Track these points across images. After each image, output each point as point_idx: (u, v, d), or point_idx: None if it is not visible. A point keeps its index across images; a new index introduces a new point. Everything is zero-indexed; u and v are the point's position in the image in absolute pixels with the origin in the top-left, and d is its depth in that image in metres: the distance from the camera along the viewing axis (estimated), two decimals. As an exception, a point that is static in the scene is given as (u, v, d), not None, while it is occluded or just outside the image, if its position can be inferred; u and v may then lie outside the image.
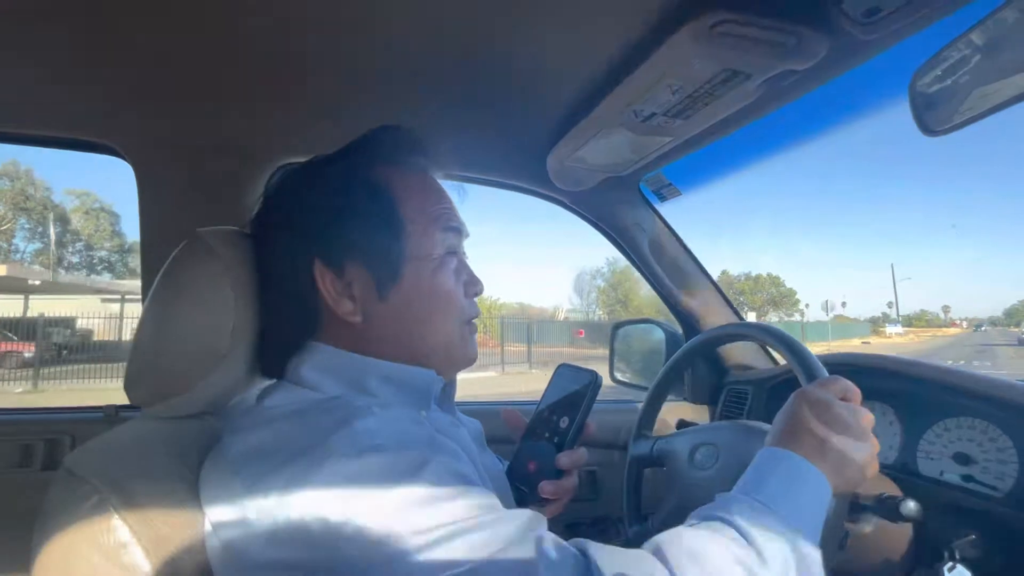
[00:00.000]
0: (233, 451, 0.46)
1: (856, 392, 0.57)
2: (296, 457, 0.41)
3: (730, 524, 0.44)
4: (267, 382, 0.57)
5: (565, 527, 1.12)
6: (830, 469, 0.50)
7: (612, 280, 31.12)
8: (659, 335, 1.28)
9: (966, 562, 0.67)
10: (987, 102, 0.52)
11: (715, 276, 1.20)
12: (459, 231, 0.59)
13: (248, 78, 0.75)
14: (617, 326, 1.41)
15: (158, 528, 0.44)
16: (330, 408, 0.47)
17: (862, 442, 0.52)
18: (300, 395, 0.51)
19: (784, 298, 44.74)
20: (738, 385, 1.17)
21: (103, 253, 28.07)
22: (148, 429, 0.53)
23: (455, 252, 0.58)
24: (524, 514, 0.42)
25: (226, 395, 0.57)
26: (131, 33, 0.64)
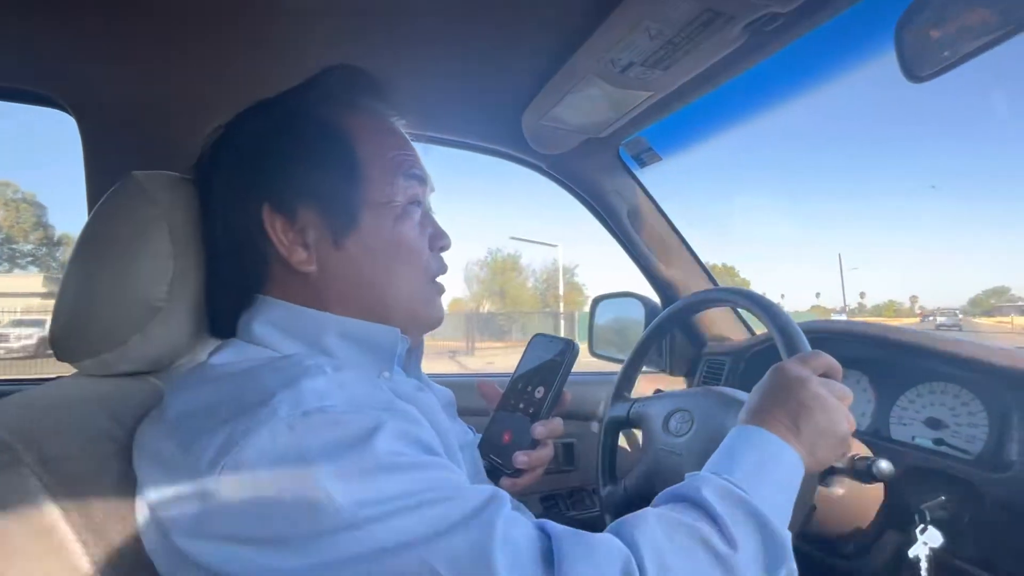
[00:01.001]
0: (172, 410, 0.42)
1: (837, 368, 0.56)
2: (235, 417, 0.37)
3: (699, 506, 0.42)
4: (218, 343, 0.53)
5: (541, 499, 1.11)
6: (803, 448, 0.49)
7: (492, 269, 30.13)
8: (638, 307, 1.27)
9: (936, 523, 0.67)
10: (971, 43, 0.50)
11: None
12: (423, 180, 0.55)
13: (200, 24, 0.70)
14: (597, 300, 1.39)
15: (82, 490, 0.40)
16: (279, 367, 0.43)
17: (838, 421, 0.51)
18: (251, 352, 0.47)
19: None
20: (716, 356, 1.16)
21: (29, 246, 26.63)
22: (77, 386, 0.49)
23: (419, 202, 0.54)
24: (484, 490, 0.39)
25: (169, 354, 0.53)
26: None
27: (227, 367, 0.45)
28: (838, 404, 0.52)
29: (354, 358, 0.49)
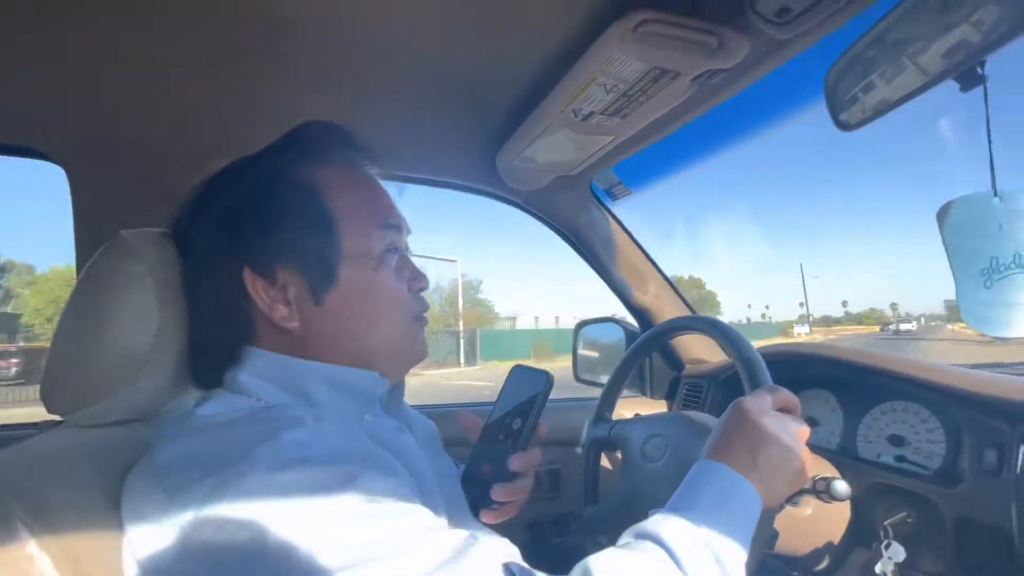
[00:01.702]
0: (159, 459, 0.44)
1: (795, 404, 0.58)
2: (221, 468, 0.40)
3: (659, 544, 0.45)
4: (203, 391, 0.55)
5: (526, 527, 1.12)
6: (761, 482, 0.51)
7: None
8: (619, 333, 1.30)
9: (899, 539, 0.70)
10: (895, 94, 0.55)
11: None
12: (399, 227, 0.57)
13: (181, 76, 0.74)
14: (580, 325, 1.43)
15: (70, 541, 0.42)
16: (261, 419, 0.45)
17: (794, 456, 0.53)
18: (237, 403, 0.49)
19: (704, 301, 46.09)
20: (694, 379, 1.19)
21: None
22: (67, 437, 0.51)
23: (396, 248, 0.56)
24: (457, 536, 0.41)
25: (154, 402, 0.55)
26: (54, 32, 0.62)
27: (213, 418, 0.47)
28: (794, 439, 0.54)
29: (337, 403, 0.51)
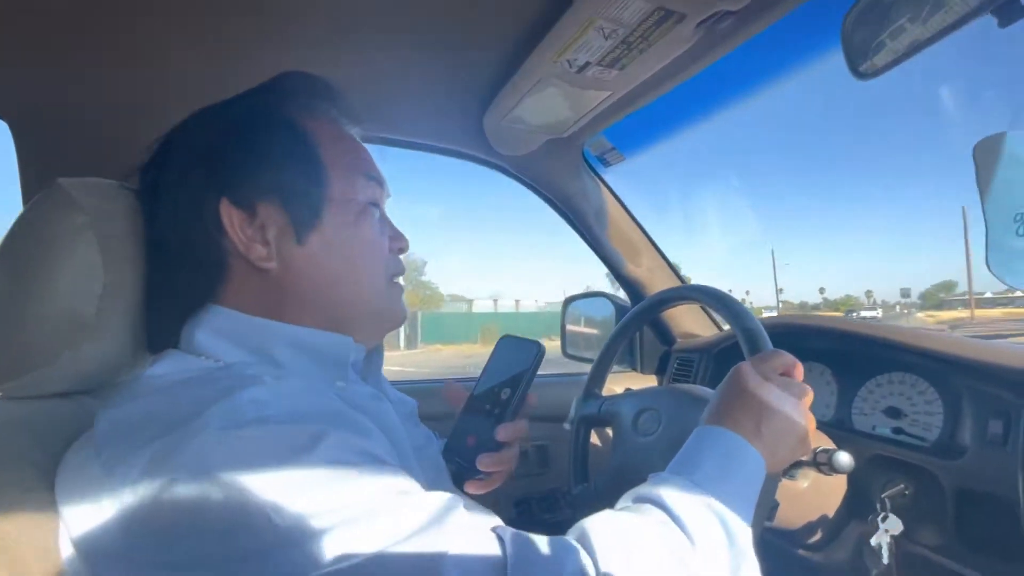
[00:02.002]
0: (98, 428, 0.39)
1: (798, 367, 0.56)
2: (165, 432, 0.35)
3: (660, 506, 0.42)
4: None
5: (515, 503, 1.10)
6: (765, 448, 0.49)
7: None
8: (609, 308, 1.27)
9: (896, 511, 0.69)
10: (913, 41, 0.51)
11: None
12: (380, 183, 0.54)
13: (139, 26, 0.66)
14: (568, 301, 1.39)
15: (0, 523, 0.37)
16: (216, 378, 0.41)
17: (798, 420, 0.51)
18: (190, 363, 0.45)
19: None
20: (685, 353, 1.17)
21: None
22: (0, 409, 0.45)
23: (377, 205, 0.54)
24: (437, 499, 0.38)
25: (103, 371, 0.50)
26: None
27: (162, 379, 0.42)
28: (797, 403, 0.52)
29: (304, 368, 0.47)
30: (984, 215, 0.44)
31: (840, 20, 0.57)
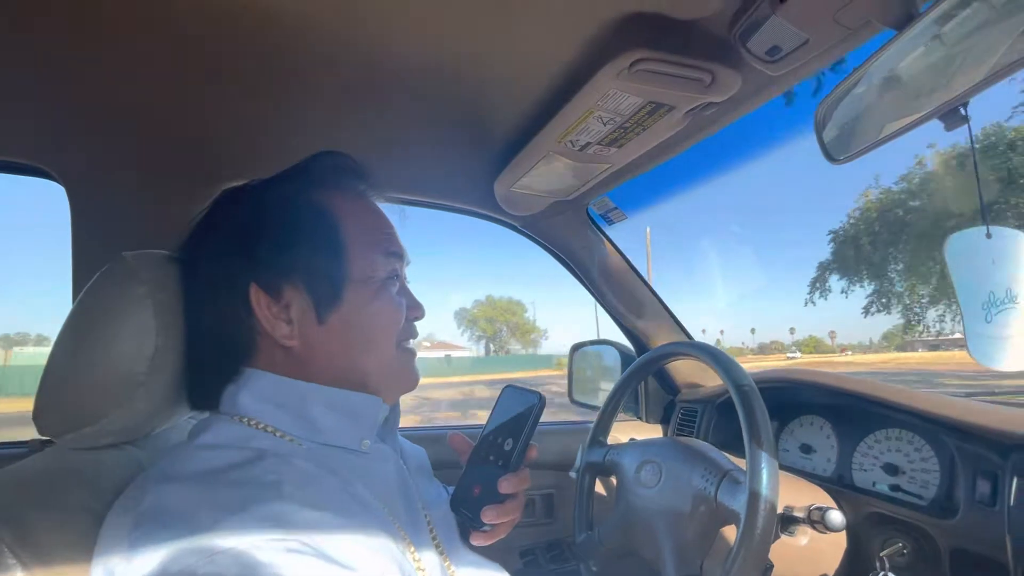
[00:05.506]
0: (146, 502, 0.42)
1: None
2: (187, 533, 0.38)
3: None
4: (197, 413, 0.55)
5: (521, 553, 1.10)
6: None
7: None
8: (614, 355, 1.31)
9: (895, 570, 0.70)
10: (884, 130, 0.56)
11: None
12: (400, 256, 0.58)
13: (186, 99, 0.75)
14: (575, 348, 1.43)
15: (58, 568, 0.41)
16: (239, 481, 0.43)
17: None
18: (233, 433, 0.49)
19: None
20: (688, 403, 1.19)
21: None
22: (57, 460, 0.50)
23: (396, 276, 0.58)
24: None
25: (147, 423, 0.55)
26: (58, 49, 0.63)
27: (207, 458, 0.46)
28: None
29: (337, 426, 0.52)
30: (960, 306, 0.48)
31: (814, 108, 0.64)
